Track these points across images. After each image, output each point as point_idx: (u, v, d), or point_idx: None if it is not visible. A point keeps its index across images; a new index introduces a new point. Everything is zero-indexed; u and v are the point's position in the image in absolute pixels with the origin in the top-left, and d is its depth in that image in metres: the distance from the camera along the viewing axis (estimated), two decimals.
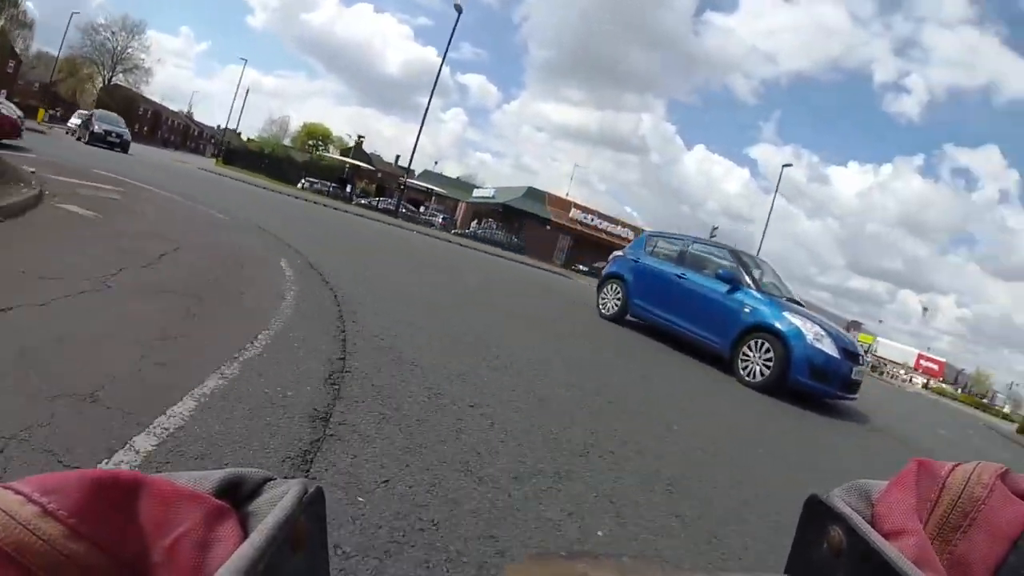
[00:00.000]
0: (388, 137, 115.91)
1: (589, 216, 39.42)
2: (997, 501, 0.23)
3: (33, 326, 2.19)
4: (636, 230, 42.80)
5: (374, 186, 37.59)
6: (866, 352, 43.64)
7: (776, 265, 7.74)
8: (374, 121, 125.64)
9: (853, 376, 5.91)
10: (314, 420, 1.99)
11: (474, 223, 38.11)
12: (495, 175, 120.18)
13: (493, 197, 40.99)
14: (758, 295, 6.28)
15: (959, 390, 45.96)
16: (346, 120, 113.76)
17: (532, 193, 38.30)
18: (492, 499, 1.79)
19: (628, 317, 7.79)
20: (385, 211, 27.07)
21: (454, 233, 29.43)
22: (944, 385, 46.06)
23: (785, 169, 35.93)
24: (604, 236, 39.27)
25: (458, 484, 1.83)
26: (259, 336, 2.76)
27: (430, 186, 35.41)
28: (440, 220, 34.50)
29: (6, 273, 2.87)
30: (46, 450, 1.41)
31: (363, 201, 29.86)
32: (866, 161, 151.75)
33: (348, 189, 31.59)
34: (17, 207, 4.57)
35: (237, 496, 0.21)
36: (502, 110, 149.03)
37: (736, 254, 6.95)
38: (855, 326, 53.76)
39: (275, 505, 0.20)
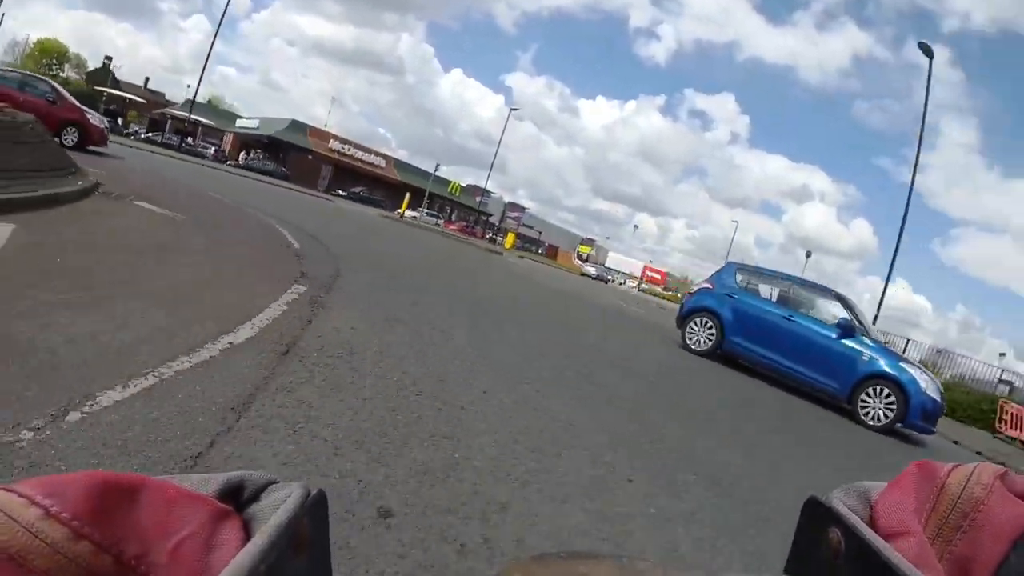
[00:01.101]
0: (120, 47, 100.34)
1: (347, 147, 46.56)
2: (996, 502, 0.24)
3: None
4: (387, 158, 51.72)
5: (147, 119, 38.95)
6: (586, 260, 58.51)
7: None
8: (104, 28, 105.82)
9: (942, 415, 6.65)
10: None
11: (243, 154, 41.28)
12: (242, 92, 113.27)
13: (258, 128, 44.37)
14: (872, 343, 6.62)
15: (667, 290, 60.95)
16: (72, 27, 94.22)
17: (295, 125, 43.33)
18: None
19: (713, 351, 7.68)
20: (167, 146, 29.24)
21: (231, 164, 32.67)
22: (657, 288, 60.94)
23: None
24: (360, 164, 47.61)
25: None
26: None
27: (199, 118, 38.57)
28: (212, 152, 37.00)
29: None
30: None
31: (143, 136, 31.74)
32: (613, 97, 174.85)
33: (119, 122, 32.71)
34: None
35: (240, 499, 0.22)
36: (251, 20, 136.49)
37: (842, 298, 7.21)
38: (589, 243, 67.49)
39: (277, 508, 0.21)
